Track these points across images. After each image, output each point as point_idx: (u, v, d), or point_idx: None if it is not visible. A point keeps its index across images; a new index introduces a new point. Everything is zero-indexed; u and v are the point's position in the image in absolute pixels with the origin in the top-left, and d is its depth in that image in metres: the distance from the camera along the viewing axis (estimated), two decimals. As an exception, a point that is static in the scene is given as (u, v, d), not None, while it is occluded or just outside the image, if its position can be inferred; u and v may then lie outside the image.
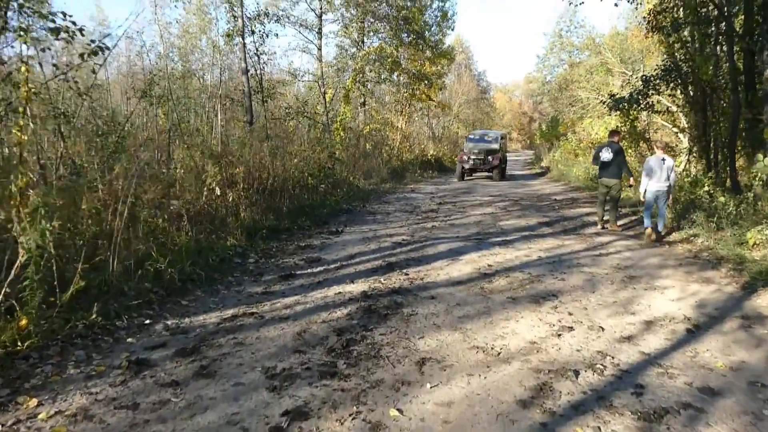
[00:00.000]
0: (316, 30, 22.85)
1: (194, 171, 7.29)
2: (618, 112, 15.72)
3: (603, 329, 4.21)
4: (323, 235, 8.27)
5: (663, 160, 8.47)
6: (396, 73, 25.52)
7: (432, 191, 15.94)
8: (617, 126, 15.27)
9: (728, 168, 12.10)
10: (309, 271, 6.15)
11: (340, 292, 5.25)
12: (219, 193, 7.30)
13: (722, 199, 8.54)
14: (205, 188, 7.20)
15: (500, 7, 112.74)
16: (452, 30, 29.83)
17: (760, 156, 7.90)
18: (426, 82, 26.27)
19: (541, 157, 33.04)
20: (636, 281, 5.64)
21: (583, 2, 13.37)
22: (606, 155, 8.93)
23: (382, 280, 5.71)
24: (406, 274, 5.94)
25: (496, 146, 20.25)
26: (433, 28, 28.02)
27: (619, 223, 9.26)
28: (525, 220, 9.99)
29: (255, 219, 7.83)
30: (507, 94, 73.86)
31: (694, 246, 7.38)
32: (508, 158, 27.02)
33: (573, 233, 8.67)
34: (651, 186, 8.53)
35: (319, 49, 23.09)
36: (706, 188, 9.47)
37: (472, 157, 19.75)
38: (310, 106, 20.92)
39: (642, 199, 8.80)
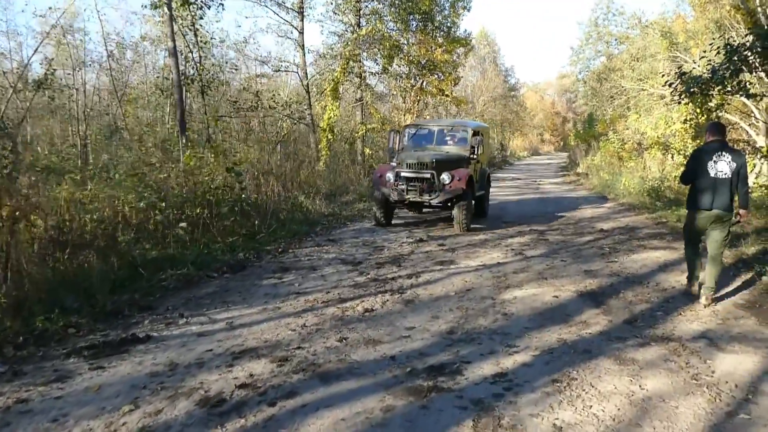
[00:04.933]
0: (297, 9, 18.63)
1: None
2: (688, 100, 11.00)
3: None
4: (82, 362, 3.68)
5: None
6: (403, 61, 21.06)
7: (424, 214, 11.24)
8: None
9: None
10: None
11: None
12: None
13: None
14: None
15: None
16: (468, 11, 24.94)
17: None
18: (439, 74, 21.82)
19: (576, 161, 28.02)
20: None
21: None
22: (722, 167, 4.39)
23: None
24: None
25: (461, 152, 9.56)
26: (445, 10, 23.50)
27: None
28: (553, 287, 5.45)
29: None
30: (539, 92, 68.53)
31: None
32: (535, 165, 19.00)
33: (654, 332, 4.10)
34: None
35: (301, 33, 18.89)
36: None
37: (405, 174, 8.94)
38: (287, 103, 16.73)
39: None
